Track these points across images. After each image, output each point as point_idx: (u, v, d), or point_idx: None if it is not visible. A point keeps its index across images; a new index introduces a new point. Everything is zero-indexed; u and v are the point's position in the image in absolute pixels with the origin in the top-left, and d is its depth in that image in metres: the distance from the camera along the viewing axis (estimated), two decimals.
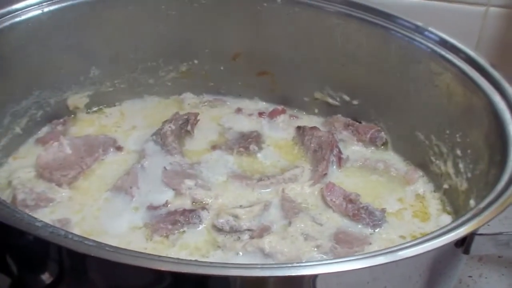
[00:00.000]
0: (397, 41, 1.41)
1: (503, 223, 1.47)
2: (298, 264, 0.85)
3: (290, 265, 0.84)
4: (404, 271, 0.96)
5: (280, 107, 1.64)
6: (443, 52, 1.34)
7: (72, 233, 0.88)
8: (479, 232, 0.98)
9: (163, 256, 0.85)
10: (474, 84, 1.26)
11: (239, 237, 1.24)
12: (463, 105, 1.31)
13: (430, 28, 1.37)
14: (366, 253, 0.88)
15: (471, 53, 1.31)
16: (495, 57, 1.69)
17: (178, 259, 0.85)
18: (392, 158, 1.51)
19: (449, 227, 0.94)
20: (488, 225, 0.97)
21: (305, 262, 0.87)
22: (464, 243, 1.00)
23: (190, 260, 0.86)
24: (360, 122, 1.57)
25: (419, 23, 1.39)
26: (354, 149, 1.53)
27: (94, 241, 0.87)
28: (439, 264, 0.99)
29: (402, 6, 1.63)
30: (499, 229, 1.44)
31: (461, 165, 1.32)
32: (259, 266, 0.84)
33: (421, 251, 0.88)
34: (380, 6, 1.44)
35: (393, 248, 0.89)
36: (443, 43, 1.35)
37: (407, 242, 0.90)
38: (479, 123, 1.25)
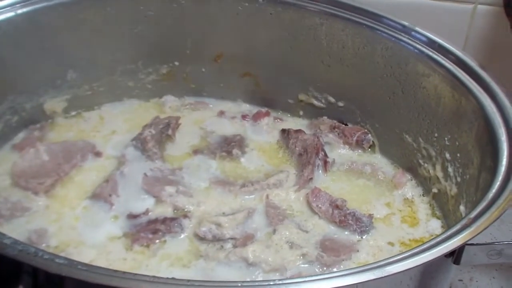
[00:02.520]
0: (383, 41, 1.39)
1: (493, 225, 1.47)
2: (281, 282, 0.82)
3: (272, 283, 0.81)
4: (395, 279, 0.93)
5: (264, 110, 1.62)
6: (431, 53, 1.32)
7: (43, 251, 0.84)
8: (471, 242, 0.95)
9: (138, 274, 0.82)
10: (463, 86, 1.25)
11: (222, 246, 1.22)
12: (451, 108, 1.29)
13: (417, 28, 1.35)
14: (354, 268, 0.85)
15: (460, 54, 1.29)
16: (483, 56, 1.68)
17: (154, 277, 0.82)
18: (379, 161, 1.49)
19: (439, 239, 0.92)
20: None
21: (290, 278, 0.84)
22: (454, 254, 0.98)
23: (167, 279, 0.82)
24: (346, 124, 1.55)
25: (406, 23, 1.37)
26: (340, 152, 1.51)
27: (66, 258, 0.84)
28: (429, 271, 0.97)
29: (388, 5, 1.60)
30: (491, 233, 1.44)
31: (450, 169, 1.30)
32: (239, 285, 0.81)
33: (410, 266, 0.86)
34: (365, 5, 1.42)
35: (381, 262, 0.86)
36: (431, 44, 1.33)
37: (396, 256, 0.88)
38: (468, 126, 1.23)
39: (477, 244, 0.97)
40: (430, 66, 1.32)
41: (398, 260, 0.86)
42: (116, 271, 0.82)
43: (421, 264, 0.87)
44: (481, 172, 1.16)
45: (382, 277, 0.83)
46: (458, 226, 0.94)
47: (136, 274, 0.81)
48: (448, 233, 0.92)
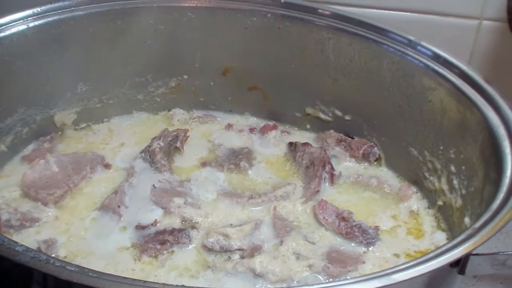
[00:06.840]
0: (389, 55, 1.40)
1: (499, 239, 1.46)
2: None
3: None
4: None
5: (271, 123, 1.63)
6: (436, 67, 1.32)
7: (54, 258, 0.86)
8: (475, 252, 0.95)
9: (148, 282, 0.83)
10: (468, 99, 1.25)
11: (229, 257, 1.22)
12: (457, 121, 1.29)
13: (423, 43, 1.36)
14: (360, 277, 0.86)
15: (465, 68, 1.29)
16: (488, 71, 1.68)
17: (164, 284, 0.83)
18: (385, 174, 1.49)
19: (443, 248, 0.92)
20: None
21: (298, 286, 0.84)
22: (459, 264, 0.97)
23: (177, 286, 0.83)
24: (352, 138, 1.55)
25: (412, 38, 1.38)
26: (346, 165, 1.51)
27: (77, 266, 0.85)
28: (435, 281, 0.97)
29: (394, 20, 1.61)
30: (496, 246, 1.43)
31: (455, 182, 1.30)
32: None
33: (416, 274, 0.86)
34: (372, 20, 1.43)
35: (388, 270, 0.87)
36: (436, 58, 1.33)
37: (401, 264, 0.89)
38: (473, 139, 1.24)
39: (481, 254, 0.97)
40: (435, 80, 1.32)
41: (404, 268, 0.87)
42: (126, 278, 0.83)
43: (427, 273, 0.87)
44: (485, 184, 1.17)
45: (388, 285, 0.84)
46: (462, 236, 0.94)
47: (146, 281, 0.82)
48: (453, 242, 0.93)
